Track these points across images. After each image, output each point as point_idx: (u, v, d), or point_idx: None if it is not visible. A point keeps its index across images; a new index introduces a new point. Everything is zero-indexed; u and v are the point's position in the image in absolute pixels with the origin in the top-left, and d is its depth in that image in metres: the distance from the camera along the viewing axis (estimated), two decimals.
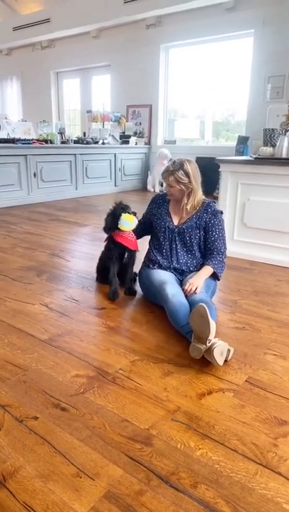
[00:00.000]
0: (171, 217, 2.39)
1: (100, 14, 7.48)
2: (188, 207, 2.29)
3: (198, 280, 2.17)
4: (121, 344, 1.94)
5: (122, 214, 2.43)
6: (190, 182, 2.24)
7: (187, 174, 2.22)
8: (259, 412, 1.47)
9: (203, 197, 2.37)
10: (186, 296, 2.09)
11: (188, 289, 2.11)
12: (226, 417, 1.44)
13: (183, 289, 2.15)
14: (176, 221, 2.38)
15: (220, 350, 1.71)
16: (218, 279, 2.34)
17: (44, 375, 1.67)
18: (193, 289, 2.11)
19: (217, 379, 1.67)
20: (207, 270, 2.26)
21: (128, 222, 2.43)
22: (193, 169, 2.25)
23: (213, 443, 1.32)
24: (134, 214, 2.47)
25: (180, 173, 2.22)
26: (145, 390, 1.58)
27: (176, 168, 2.23)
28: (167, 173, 2.27)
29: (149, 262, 2.42)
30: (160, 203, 2.46)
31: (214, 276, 2.30)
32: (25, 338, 1.98)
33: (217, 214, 2.33)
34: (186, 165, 2.23)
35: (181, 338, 1.96)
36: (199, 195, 2.31)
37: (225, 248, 2.36)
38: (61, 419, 1.41)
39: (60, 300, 2.44)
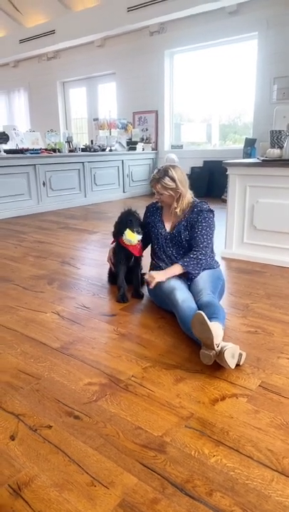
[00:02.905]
0: (164, 224, 2.43)
1: (104, 23, 7.57)
2: (178, 210, 2.34)
3: (159, 274, 2.24)
4: (132, 351, 1.94)
5: (127, 229, 2.46)
6: (177, 187, 2.28)
7: (173, 179, 2.26)
8: (273, 417, 1.46)
9: (194, 198, 2.40)
10: (195, 300, 2.09)
11: (148, 280, 2.25)
12: (240, 423, 1.43)
13: (177, 287, 2.15)
14: (168, 227, 2.42)
15: (231, 352, 1.69)
16: (194, 277, 2.26)
17: (57, 384, 1.67)
18: (153, 282, 2.21)
19: (230, 384, 1.66)
20: (175, 268, 2.27)
21: (129, 239, 2.47)
22: (178, 174, 2.28)
23: (228, 449, 1.30)
24: (138, 232, 2.46)
25: (166, 180, 2.26)
26: (158, 397, 1.58)
27: (161, 175, 2.28)
28: (154, 181, 2.31)
29: (156, 269, 2.44)
30: (153, 211, 2.51)
31: (215, 273, 2.34)
32: (38, 346, 1.99)
33: (202, 212, 2.31)
34: (171, 171, 2.27)
35: (193, 344, 1.95)
36: (188, 198, 2.35)
37: (206, 245, 2.29)
38: (75, 428, 1.41)
39: (71, 308, 2.46)
